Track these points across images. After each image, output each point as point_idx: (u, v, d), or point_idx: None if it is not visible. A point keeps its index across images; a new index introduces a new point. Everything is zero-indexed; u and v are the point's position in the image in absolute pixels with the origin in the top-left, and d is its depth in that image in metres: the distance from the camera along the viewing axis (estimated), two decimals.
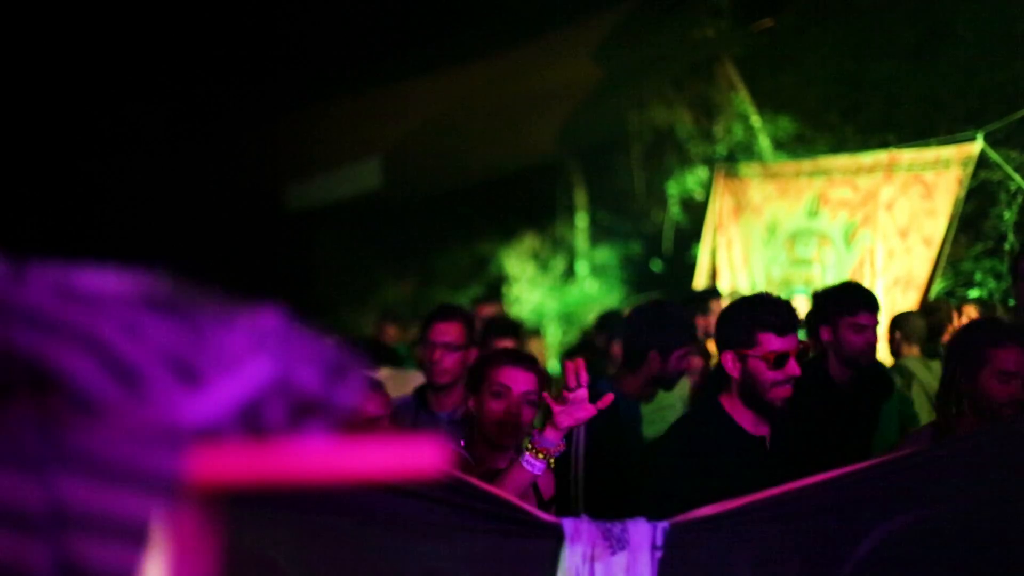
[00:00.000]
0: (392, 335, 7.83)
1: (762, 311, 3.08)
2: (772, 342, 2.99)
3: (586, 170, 12.12)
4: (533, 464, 2.71)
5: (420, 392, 4.25)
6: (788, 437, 3.12)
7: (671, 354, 4.12)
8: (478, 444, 3.07)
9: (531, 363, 3.11)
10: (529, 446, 2.74)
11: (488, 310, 7.29)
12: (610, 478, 3.86)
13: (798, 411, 3.70)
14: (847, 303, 4.10)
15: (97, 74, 6.18)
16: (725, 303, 7.11)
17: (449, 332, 4.15)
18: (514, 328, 5.94)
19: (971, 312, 6.24)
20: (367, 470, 0.81)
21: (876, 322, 4.11)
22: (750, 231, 8.66)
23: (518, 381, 3.01)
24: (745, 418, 3.05)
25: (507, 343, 5.50)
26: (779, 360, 2.98)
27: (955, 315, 6.33)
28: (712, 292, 7.23)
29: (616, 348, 5.51)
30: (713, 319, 6.29)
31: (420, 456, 0.81)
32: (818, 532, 2.39)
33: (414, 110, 8.88)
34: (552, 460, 2.74)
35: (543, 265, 12.17)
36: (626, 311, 5.81)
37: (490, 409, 3.00)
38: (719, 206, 8.91)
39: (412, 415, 4.11)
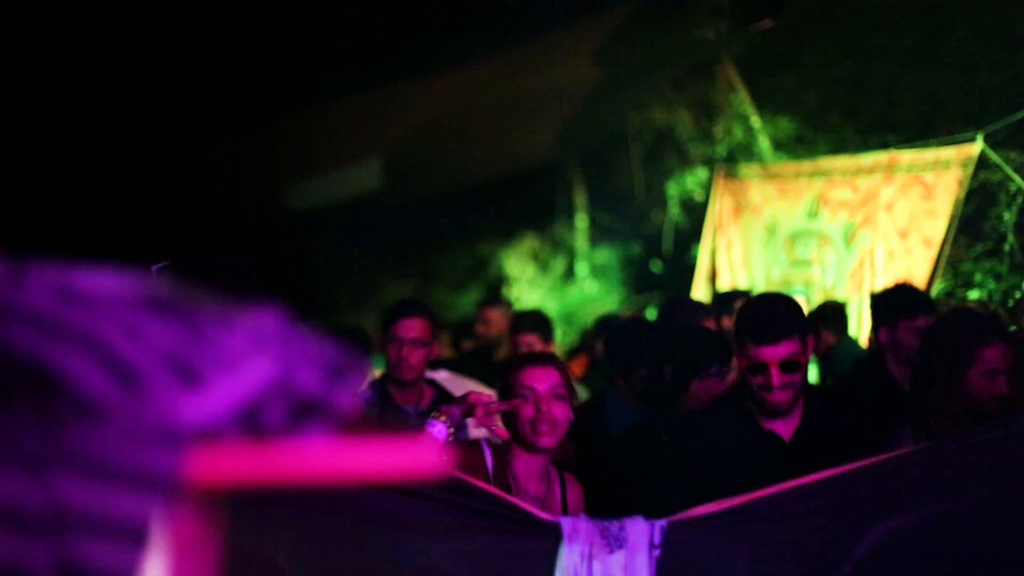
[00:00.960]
0: None
1: (745, 318, 3.09)
2: (751, 350, 2.99)
3: (586, 170, 12.11)
4: (435, 426, 2.93)
5: (379, 386, 4.24)
6: (816, 435, 3.08)
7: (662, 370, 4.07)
8: (516, 451, 3.08)
9: (550, 360, 3.15)
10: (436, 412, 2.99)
11: (493, 313, 7.21)
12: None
13: (857, 405, 3.72)
14: (907, 306, 4.15)
15: (97, 74, 6.18)
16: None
17: (414, 328, 4.14)
18: (542, 322, 5.85)
19: None
20: (367, 470, 0.81)
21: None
22: (750, 232, 8.66)
23: (540, 379, 3.03)
24: (761, 416, 3.07)
25: (532, 338, 5.48)
26: (757, 368, 2.97)
27: None
28: (739, 292, 7.17)
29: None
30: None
31: (419, 456, 0.81)
32: (816, 531, 2.39)
33: (414, 110, 8.88)
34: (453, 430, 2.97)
35: (543, 266, 12.17)
36: (629, 313, 5.80)
37: (522, 413, 3.01)
38: (719, 207, 8.91)
39: (377, 409, 4.12)
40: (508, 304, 8.60)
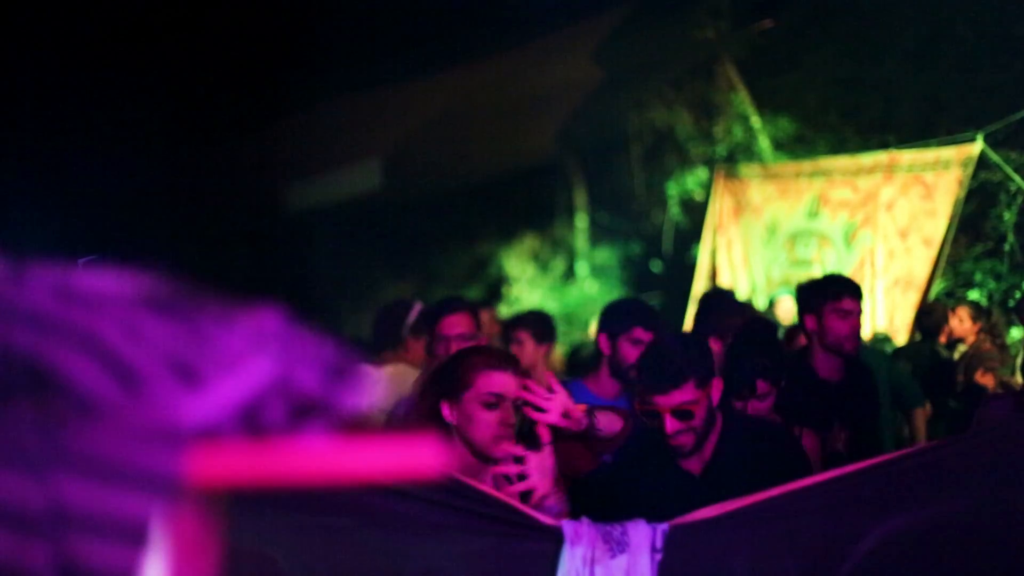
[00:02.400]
0: None
1: (641, 363, 3.03)
2: (645, 396, 2.93)
3: (586, 170, 12.12)
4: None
5: None
6: (726, 468, 3.01)
7: (617, 339, 4.06)
8: (458, 456, 2.84)
9: (514, 362, 2.93)
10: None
11: (483, 316, 7.17)
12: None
13: (785, 409, 3.71)
14: (831, 289, 4.15)
15: (97, 74, 6.18)
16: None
17: (461, 323, 4.08)
18: (538, 321, 5.79)
19: (963, 313, 6.26)
20: (367, 470, 0.81)
21: (860, 309, 4.17)
22: (750, 232, 8.67)
23: (509, 387, 2.81)
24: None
25: (524, 335, 5.43)
26: (651, 415, 2.92)
27: (950, 315, 6.35)
28: (723, 292, 7.17)
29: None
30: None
31: (420, 457, 0.81)
32: (817, 532, 2.39)
33: (414, 110, 8.88)
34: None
35: (543, 266, 12.17)
36: None
37: (482, 420, 2.78)
38: (719, 207, 8.91)
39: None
40: (493, 307, 8.57)
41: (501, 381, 2.80)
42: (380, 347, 4.72)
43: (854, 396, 4.20)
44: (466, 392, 2.80)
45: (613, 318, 4.19)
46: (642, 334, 3.97)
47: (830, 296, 4.10)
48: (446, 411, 2.84)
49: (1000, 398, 3.55)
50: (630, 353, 3.91)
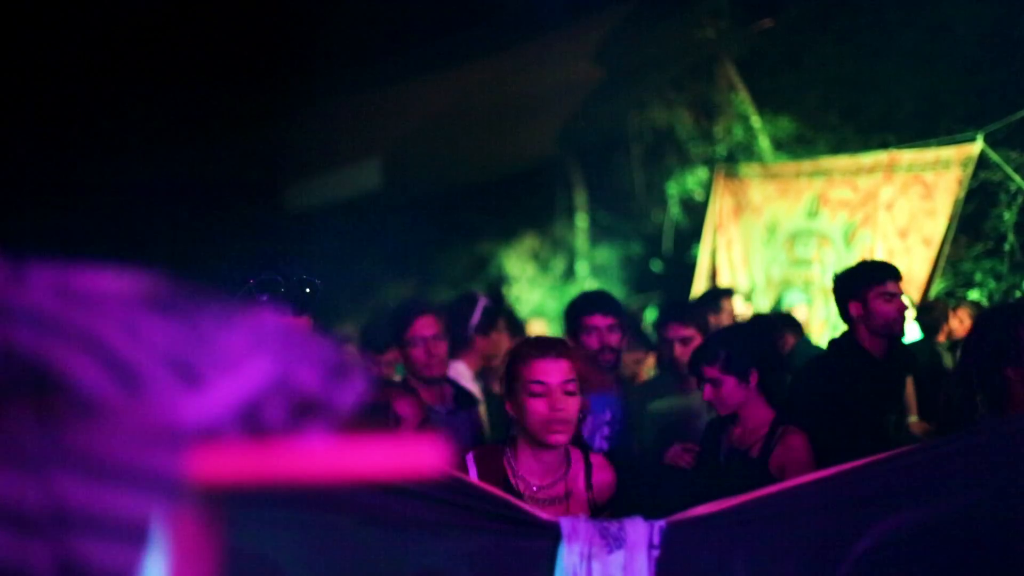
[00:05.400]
0: None
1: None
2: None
3: (586, 170, 12.11)
4: None
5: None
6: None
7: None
8: (522, 450, 2.88)
9: (562, 348, 2.88)
10: None
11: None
12: None
13: (834, 386, 3.77)
14: (874, 274, 4.18)
15: (97, 74, 6.18)
16: (737, 302, 7.11)
17: (430, 324, 4.17)
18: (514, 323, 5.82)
19: (963, 314, 6.26)
20: (367, 470, 0.81)
21: (901, 291, 4.20)
22: (750, 231, 8.66)
23: (551, 372, 2.80)
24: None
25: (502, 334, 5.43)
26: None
27: (951, 315, 6.35)
28: (724, 291, 7.20)
29: None
30: (724, 317, 6.34)
31: (419, 456, 0.81)
32: (816, 530, 2.39)
33: (414, 110, 8.88)
34: None
35: (543, 265, 12.17)
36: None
37: (532, 409, 2.79)
38: (719, 206, 8.91)
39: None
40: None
41: (544, 368, 2.81)
42: (451, 347, 4.72)
43: (902, 375, 4.30)
44: (517, 383, 2.85)
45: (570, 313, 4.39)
46: (600, 320, 4.13)
47: (875, 280, 4.15)
48: (509, 409, 2.89)
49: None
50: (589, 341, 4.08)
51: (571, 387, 2.82)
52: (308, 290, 2.69)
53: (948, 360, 6.29)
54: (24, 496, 0.70)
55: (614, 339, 4.21)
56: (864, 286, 4.16)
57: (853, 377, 3.97)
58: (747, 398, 3.53)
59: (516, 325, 5.66)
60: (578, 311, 4.28)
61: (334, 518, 2.29)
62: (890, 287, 4.17)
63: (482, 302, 4.96)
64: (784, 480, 3.14)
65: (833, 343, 4.39)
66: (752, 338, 3.78)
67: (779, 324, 5.75)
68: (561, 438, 2.81)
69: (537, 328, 8.89)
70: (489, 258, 12.39)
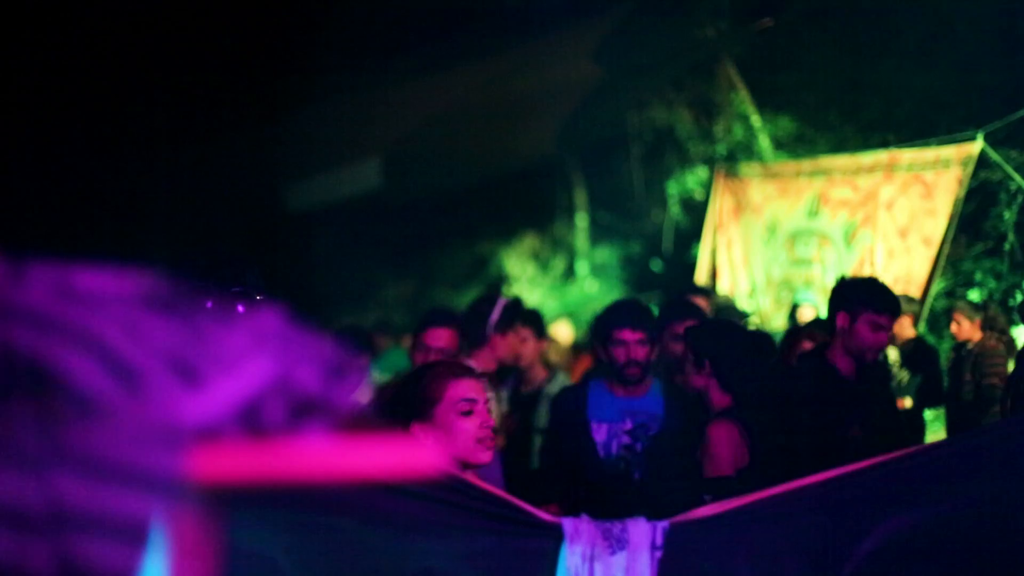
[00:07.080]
0: (383, 345, 7.75)
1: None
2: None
3: (586, 170, 12.11)
4: None
5: None
6: None
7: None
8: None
9: (472, 371, 2.93)
10: None
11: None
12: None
13: (804, 403, 3.77)
14: (876, 301, 4.13)
15: (97, 74, 6.18)
16: (721, 300, 7.11)
17: (444, 338, 4.18)
18: (536, 318, 5.75)
19: (959, 316, 6.23)
20: (367, 470, 0.81)
21: (892, 328, 4.17)
22: (750, 231, 8.66)
23: (479, 391, 2.80)
24: None
25: (526, 332, 5.39)
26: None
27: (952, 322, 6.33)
28: (699, 289, 7.14)
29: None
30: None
31: (419, 456, 0.81)
32: (818, 532, 2.39)
33: (414, 110, 8.88)
34: None
35: (543, 265, 12.17)
36: None
37: (461, 428, 2.73)
38: (719, 206, 8.90)
39: None
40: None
41: (470, 386, 2.79)
42: (468, 346, 4.71)
43: (869, 396, 4.24)
44: (437, 406, 2.76)
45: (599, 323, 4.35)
46: (629, 335, 4.10)
47: (872, 307, 4.09)
48: (418, 432, 2.77)
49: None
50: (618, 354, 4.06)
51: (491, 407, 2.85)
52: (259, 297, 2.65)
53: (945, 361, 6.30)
54: (24, 496, 0.70)
55: (641, 353, 4.19)
56: (860, 305, 4.12)
57: (814, 386, 3.94)
58: (707, 385, 3.67)
59: (541, 327, 5.61)
60: (609, 323, 4.23)
61: (334, 518, 2.29)
62: (883, 320, 4.10)
63: (502, 301, 4.95)
64: (708, 470, 3.31)
65: (801, 357, 4.41)
66: (717, 332, 3.94)
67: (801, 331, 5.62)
68: (490, 455, 2.79)
69: (561, 331, 8.86)
70: (489, 258, 12.40)
